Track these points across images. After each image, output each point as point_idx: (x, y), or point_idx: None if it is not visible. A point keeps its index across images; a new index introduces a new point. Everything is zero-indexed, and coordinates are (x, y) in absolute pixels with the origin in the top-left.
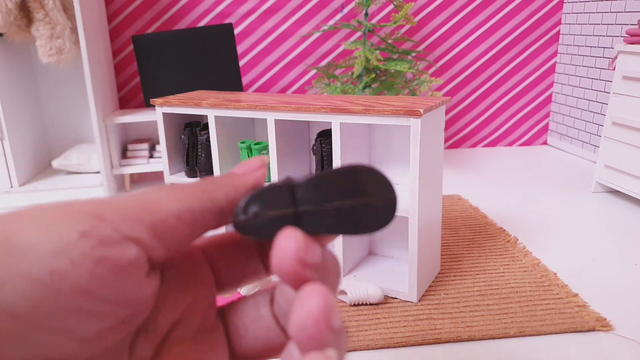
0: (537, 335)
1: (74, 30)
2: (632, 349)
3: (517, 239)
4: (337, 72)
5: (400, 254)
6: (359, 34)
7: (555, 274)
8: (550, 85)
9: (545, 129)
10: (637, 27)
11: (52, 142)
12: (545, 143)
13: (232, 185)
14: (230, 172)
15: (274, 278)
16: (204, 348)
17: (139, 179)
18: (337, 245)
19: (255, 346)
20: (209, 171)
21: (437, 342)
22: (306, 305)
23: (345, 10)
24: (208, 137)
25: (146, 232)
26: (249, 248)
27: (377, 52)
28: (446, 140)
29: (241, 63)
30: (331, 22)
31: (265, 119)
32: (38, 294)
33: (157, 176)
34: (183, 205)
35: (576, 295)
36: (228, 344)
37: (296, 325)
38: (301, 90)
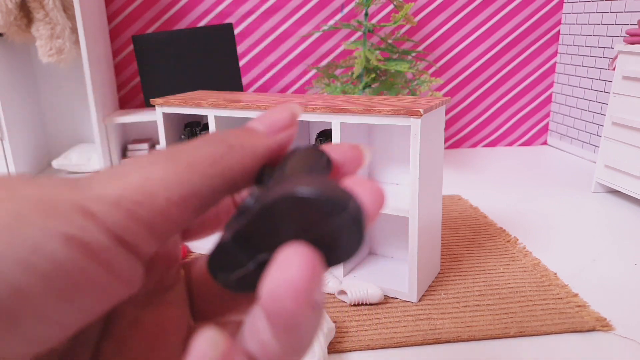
0: (537, 335)
1: (74, 30)
2: (632, 349)
3: (517, 239)
4: (337, 72)
5: (400, 254)
6: (359, 34)
7: (555, 274)
8: (550, 85)
9: (545, 129)
10: (637, 27)
11: (52, 142)
12: (545, 143)
13: (250, 152)
14: (248, 128)
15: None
16: (160, 309)
17: None
18: None
19: (218, 304)
20: None
21: (437, 342)
22: (286, 270)
23: (345, 10)
24: None
25: (143, 231)
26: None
27: (377, 52)
28: (446, 140)
29: (241, 63)
30: (331, 22)
31: None
32: None
33: None
34: (189, 189)
35: (576, 295)
36: (190, 301)
37: (269, 293)
38: (301, 90)
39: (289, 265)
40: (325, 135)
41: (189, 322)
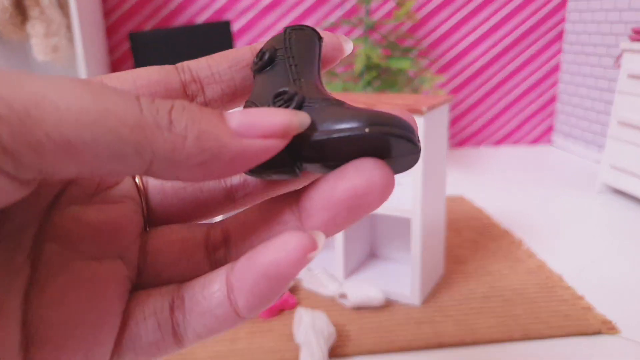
0: (542, 338)
1: (70, 27)
2: (638, 352)
3: (522, 241)
4: (339, 69)
5: (402, 256)
6: (360, 31)
7: (560, 276)
8: (555, 84)
9: (550, 128)
10: None
11: None
12: (549, 143)
13: (198, 146)
14: (219, 113)
15: None
16: (105, 207)
17: None
18: (338, 247)
19: (178, 210)
20: None
21: (440, 346)
22: (368, 175)
23: (346, 7)
24: None
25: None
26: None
27: (379, 49)
28: (449, 139)
29: None
30: (331, 18)
31: None
32: None
33: None
34: (83, 134)
35: (581, 297)
36: (146, 204)
37: (352, 190)
38: None
39: (370, 170)
40: None
41: (141, 222)
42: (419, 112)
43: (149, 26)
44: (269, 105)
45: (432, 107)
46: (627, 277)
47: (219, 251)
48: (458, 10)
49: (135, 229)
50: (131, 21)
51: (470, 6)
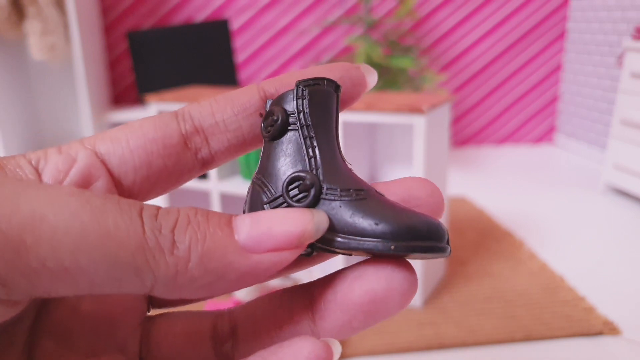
0: (544, 339)
1: (68, 26)
2: None
3: (523, 242)
4: None
5: None
6: (360, 29)
7: (562, 277)
8: (557, 83)
9: (552, 127)
10: None
11: (46, 141)
12: (552, 142)
13: (202, 268)
14: (227, 224)
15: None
16: (105, 295)
17: None
18: None
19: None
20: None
21: (441, 347)
22: (394, 279)
23: (346, 5)
24: None
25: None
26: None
27: (380, 48)
28: (451, 138)
29: (241, 58)
30: (330, 17)
31: None
32: None
33: None
34: (80, 260)
35: (583, 298)
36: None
37: (373, 294)
38: None
39: (391, 272)
40: None
41: (143, 309)
42: (420, 111)
43: (146, 25)
44: (281, 191)
45: (433, 106)
46: (629, 277)
47: (227, 344)
48: (459, 8)
49: (135, 318)
50: (129, 20)
51: (472, 4)
